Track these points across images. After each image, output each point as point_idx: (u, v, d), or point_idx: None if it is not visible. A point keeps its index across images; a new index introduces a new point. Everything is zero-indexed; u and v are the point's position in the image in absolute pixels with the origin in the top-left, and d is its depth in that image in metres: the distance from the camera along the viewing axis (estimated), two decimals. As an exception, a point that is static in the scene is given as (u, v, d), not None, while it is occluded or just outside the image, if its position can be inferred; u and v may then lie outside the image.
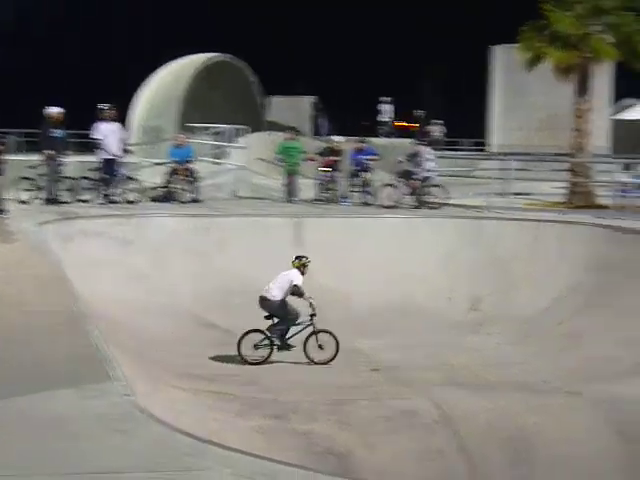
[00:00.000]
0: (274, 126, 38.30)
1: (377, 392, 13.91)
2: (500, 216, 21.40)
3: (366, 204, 23.12)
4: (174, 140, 24.27)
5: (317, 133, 38.84)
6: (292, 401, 13.11)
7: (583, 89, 24.57)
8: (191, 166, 23.02)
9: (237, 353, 15.29)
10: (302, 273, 15.75)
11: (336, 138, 25.14)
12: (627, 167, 23.60)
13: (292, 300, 15.71)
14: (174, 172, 22.81)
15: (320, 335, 15.57)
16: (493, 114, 35.42)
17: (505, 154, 27.25)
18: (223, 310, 17.62)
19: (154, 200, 22.79)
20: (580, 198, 24.12)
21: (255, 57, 42.76)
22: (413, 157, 23.09)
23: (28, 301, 11.02)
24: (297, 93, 43.64)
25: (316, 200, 23.59)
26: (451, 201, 23.01)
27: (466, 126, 44.46)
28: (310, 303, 15.46)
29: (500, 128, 34.79)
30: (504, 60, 33.51)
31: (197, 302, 17.70)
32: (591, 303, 17.59)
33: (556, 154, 27.93)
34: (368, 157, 23.74)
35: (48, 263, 13.89)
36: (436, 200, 22.71)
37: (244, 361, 15.28)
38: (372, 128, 42.19)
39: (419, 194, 22.79)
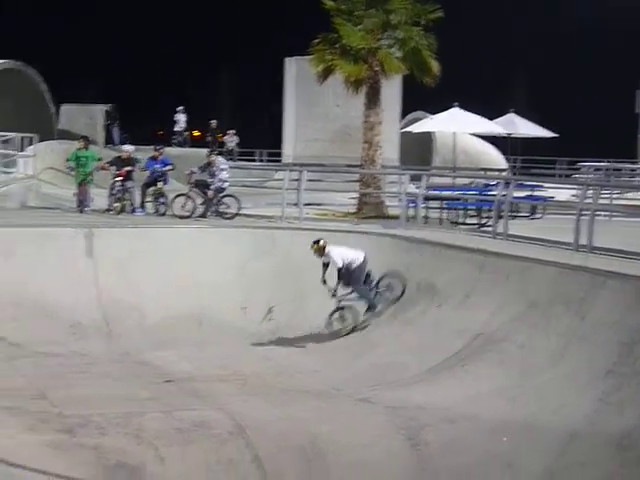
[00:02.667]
0: (66, 134, 37.42)
1: (169, 404, 13.79)
2: (293, 226, 21.61)
3: (160, 214, 22.89)
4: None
5: (110, 142, 38.20)
6: (81, 415, 12.86)
7: (373, 102, 25.09)
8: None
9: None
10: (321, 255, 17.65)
11: (127, 147, 24.80)
12: (415, 178, 24.25)
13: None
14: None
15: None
16: (288, 125, 35.70)
17: (299, 165, 27.53)
18: (11, 323, 17.09)
19: None
20: (371, 208, 24.64)
21: (46, 64, 41.77)
22: (207, 167, 23.02)
23: None
24: (90, 101, 42.85)
25: (108, 210, 23.18)
26: (245, 211, 23.07)
27: (262, 137, 44.82)
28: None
29: (295, 139, 35.05)
30: (298, 72, 33.81)
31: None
32: (383, 312, 18.02)
33: (349, 165, 28.43)
34: (163, 167, 23.53)
35: None
36: (230, 210, 22.70)
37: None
38: (167, 137, 41.93)
39: (213, 204, 22.73)
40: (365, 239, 20.00)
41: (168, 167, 23.64)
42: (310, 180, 23.85)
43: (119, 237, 20.01)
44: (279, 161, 36.40)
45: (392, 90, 29.85)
